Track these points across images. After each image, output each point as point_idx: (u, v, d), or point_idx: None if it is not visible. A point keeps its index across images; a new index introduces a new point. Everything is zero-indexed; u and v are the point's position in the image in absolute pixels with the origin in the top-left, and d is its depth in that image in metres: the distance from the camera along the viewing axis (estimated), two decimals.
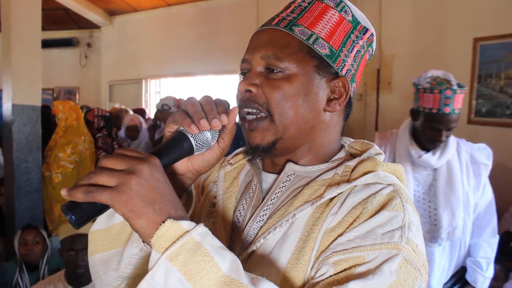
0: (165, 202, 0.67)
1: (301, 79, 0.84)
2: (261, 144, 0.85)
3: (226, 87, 7.28)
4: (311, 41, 0.85)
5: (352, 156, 0.92)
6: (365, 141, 0.94)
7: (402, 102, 5.29)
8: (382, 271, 0.68)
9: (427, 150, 2.26)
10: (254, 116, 0.86)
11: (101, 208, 0.68)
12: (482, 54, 4.30)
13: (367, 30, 0.93)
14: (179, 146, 0.77)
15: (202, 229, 0.67)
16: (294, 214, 0.81)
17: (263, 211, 0.87)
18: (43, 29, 4.06)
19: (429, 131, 2.19)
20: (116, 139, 4.81)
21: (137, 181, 0.65)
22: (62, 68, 9.17)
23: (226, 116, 0.78)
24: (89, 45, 9.18)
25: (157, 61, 7.97)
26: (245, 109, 0.86)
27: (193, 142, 0.78)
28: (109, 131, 4.76)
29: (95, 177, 0.65)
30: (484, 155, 2.39)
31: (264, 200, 0.88)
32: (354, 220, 0.76)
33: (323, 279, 0.71)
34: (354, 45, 0.90)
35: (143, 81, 8.41)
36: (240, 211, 0.92)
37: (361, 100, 5.80)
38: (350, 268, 0.70)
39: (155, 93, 8.48)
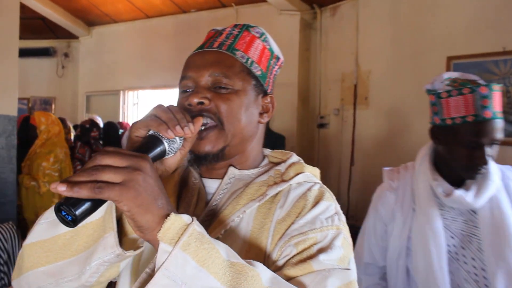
0: (164, 198, 0.73)
1: (245, 94, 0.98)
2: (211, 151, 0.94)
3: None
4: (248, 63, 1.00)
5: (273, 163, 1.07)
6: (284, 151, 1.11)
7: (378, 118, 5.39)
8: (334, 246, 0.87)
9: (458, 184, 1.63)
10: (204, 127, 0.94)
11: (98, 206, 0.69)
12: None
13: (279, 58, 1.10)
14: (155, 149, 0.80)
15: (197, 221, 0.73)
16: (244, 211, 0.92)
17: (208, 212, 0.96)
18: (19, 37, 4.01)
19: (464, 151, 1.56)
20: (93, 148, 4.77)
21: (143, 177, 0.68)
22: (38, 78, 9.04)
23: (192, 124, 0.85)
24: (66, 55, 9.09)
25: (135, 73, 7.94)
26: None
27: (167, 147, 0.82)
28: (83, 141, 4.73)
29: (98, 173, 0.66)
30: None
31: (210, 202, 0.98)
32: (301, 211, 0.91)
33: (290, 258, 0.85)
34: (273, 69, 1.08)
35: (121, 92, 8.35)
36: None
37: (338, 115, 5.88)
38: (309, 247, 0.85)
39: (133, 104, 8.43)
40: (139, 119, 0.83)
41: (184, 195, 1.01)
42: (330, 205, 0.95)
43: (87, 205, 0.66)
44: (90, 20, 8.38)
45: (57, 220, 0.79)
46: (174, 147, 0.83)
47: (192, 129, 0.84)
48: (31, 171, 4.11)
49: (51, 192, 4.03)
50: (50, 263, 0.82)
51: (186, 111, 0.91)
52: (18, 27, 4.01)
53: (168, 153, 0.83)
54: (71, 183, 0.64)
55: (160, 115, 0.81)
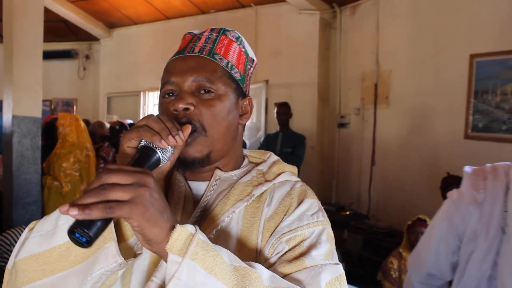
0: (169, 210, 0.76)
1: (227, 99, 0.99)
2: (197, 157, 0.96)
3: None
4: (229, 67, 1.02)
5: (253, 163, 1.10)
6: (262, 150, 1.15)
7: (399, 117, 5.34)
8: (322, 241, 0.92)
9: None
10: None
11: (109, 222, 0.70)
12: (478, 70, 4.35)
13: (254, 60, 1.13)
14: (151, 160, 0.82)
15: (199, 230, 0.76)
16: (233, 211, 0.95)
17: (198, 214, 0.98)
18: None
19: None
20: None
21: (150, 192, 0.70)
22: (60, 80, 9.18)
23: (182, 132, 0.87)
24: (87, 57, 9.22)
25: (155, 74, 7.99)
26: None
27: (161, 156, 0.83)
28: (111, 142, 4.79)
29: (107, 193, 0.67)
30: None
31: (199, 204, 0.99)
32: (288, 209, 0.96)
33: (282, 255, 0.89)
34: (249, 72, 1.11)
35: (141, 93, 8.43)
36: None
37: (358, 114, 5.84)
38: (299, 243, 0.90)
39: (153, 105, 8.50)
40: (128, 130, 0.84)
41: (170, 199, 1.02)
42: (313, 202, 1.00)
43: (99, 224, 0.68)
44: (111, 22, 8.48)
45: (51, 232, 0.82)
46: (167, 156, 0.85)
47: (182, 137, 0.86)
48: (53, 171, 4.17)
49: (73, 192, 4.09)
50: (47, 276, 0.82)
51: (171, 116, 0.93)
52: (42, 31, 4.08)
53: (162, 162, 0.85)
54: (81, 206, 0.65)
55: (152, 125, 0.83)
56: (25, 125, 3.91)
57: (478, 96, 4.36)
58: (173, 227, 0.73)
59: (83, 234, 0.66)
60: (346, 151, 6.10)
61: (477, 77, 4.36)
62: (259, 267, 0.81)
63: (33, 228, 0.91)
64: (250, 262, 0.82)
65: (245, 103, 1.07)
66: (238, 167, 1.07)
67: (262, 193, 1.00)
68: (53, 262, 0.82)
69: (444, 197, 3.99)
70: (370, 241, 4.66)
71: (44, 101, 8.80)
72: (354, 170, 5.94)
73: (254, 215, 0.96)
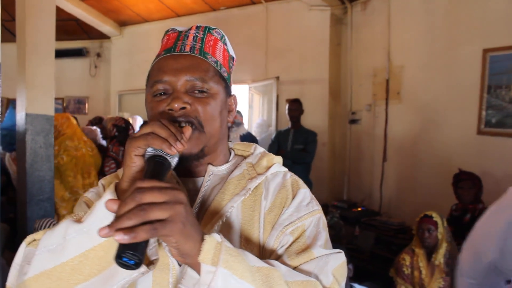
0: (197, 222, 0.79)
1: (219, 97, 1.01)
2: (193, 152, 0.97)
3: None
4: (218, 67, 1.03)
5: (240, 156, 1.13)
6: (246, 143, 1.17)
7: (411, 113, 5.31)
8: (320, 230, 0.98)
9: None
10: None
11: (149, 240, 0.72)
12: (492, 65, 4.31)
13: (234, 58, 1.14)
14: (164, 167, 0.82)
15: (223, 237, 0.80)
16: (232, 206, 0.97)
17: (195, 210, 1.00)
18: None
19: None
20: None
21: (185, 208, 0.73)
22: (72, 78, 9.24)
23: (184, 136, 0.88)
24: (99, 55, 9.28)
25: None
26: (182, 124, 0.96)
27: (172, 162, 0.85)
28: (121, 141, 4.80)
29: (147, 214, 0.68)
30: None
31: (196, 201, 1.00)
32: (285, 201, 1.00)
33: (288, 247, 0.93)
34: (231, 70, 1.12)
35: None
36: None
37: (370, 110, 5.82)
38: (301, 234, 0.95)
39: None
40: (134, 137, 0.85)
41: None
42: (306, 192, 1.04)
43: (143, 244, 0.69)
44: (122, 20, 8.52)
45: (60, 247, 0.81)
46: (175, 161, 0.87)
47: (186, 139, 0.87)
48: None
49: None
50: None
51: (165, 115, 0.95)
52: (55, 29, 4.11)
53: (171, 167, 0.86)
54: (125, 230, 0.66)
55: (159, 132, 0.83)
56: (38, 123, 3.94)
57: (491, 91, 4.31)
58: (202, 239, 0.76)
59: (131, 257, 0.67)
60: (357, 147, 6.08)
61: (490, 72, 4.32)
62: (276, 263, 0.86)
63: (31, 242, 0.89)
64: (268, 260, 0.87)
65: (231, 101, 1.10)
66: (227, 161, 1.09)
67: (257, 186, 1.02)
68: (67, 276, 0.81)
69: (457, 193, 3.97)
70: (382, 238, 4.64)
71: (56, 99, 8.83)
72: (366, 166, 5.92)
73: (253, 209, 0.99)
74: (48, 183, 4.04)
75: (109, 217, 0.77)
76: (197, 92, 0.98)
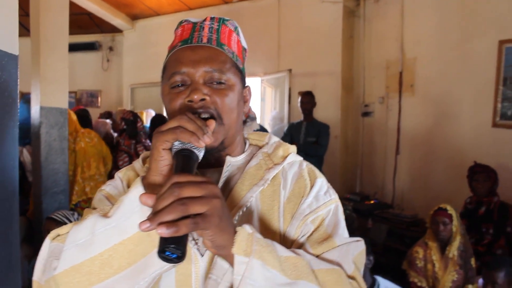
0: (230, 215, 0.81)
1: (237, 88, 1.01)
2: (214, 144, 0.97)
3: None
4: (234, 58, 1.03)
5: (256, 145, 1.14)
6: (260, 132, 1.18)
7: (424, 105, 5.27)
8: (339, 218, 1.00)
9: None
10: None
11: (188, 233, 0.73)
12: (508, 57, 4.26)
13: (246, 49, 1.13)
14: (192, 160, 0.83)
15: (254, 228, 0.82)
16: (252, 196, 0.98)
17: None
18: None
19: None
20: (140, 142, 4.87)
21: (221, 202, 0.75)
22: (84, 72, 9.30)
23: (209, 129, 0.89)
24: (111, 48, 9.32)
25: None
26: (203, 115, 0.96)
27: (199, 156, 0.86)
28: (130, 134, 4.83)
29: (187, 208, 0.69)
30: None
31: None
32: (304, 190, 1.01)
33: (309, 236, 0.95)
34: (245, 61, 1.11)
35: None
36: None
37: (383, 103, 5.78)
38: (321, 223, 0.97)
39: None
40: (160, 131, 0.85)
41: None
42: (323, 180, 1.05)
43: (184, 237, 0.71)
44: (134, 14, 8.54)
45: (88, 242, 0.82)
46: (202, 154, 0.87)
47: (210, 132, 0.88)
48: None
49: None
50: (93, 285, 0.82)
51: (183, 107, 0.96)
52: (68, 24, 4.14)
53: (199, 160, 0.87)
54: (166, 224, 0.67)
55: (187, 126, 0.83)
56: (52, 116, 3.98)
57: (507, 83, 4.26)
58: (235, 231, 0.79)
59: (174, 251, 0.69)
60: (370, 140, 6.05)
61: (506, 64, 4.27)
62: (301, 252, 0.88)
63: (55, 237, 0.90)
64: (293, 249, 0.89)
65: (245, 92, 1.10)
66: (243, 151, 1.10)
67: (274, 176, 1.03)
68: (97, 270, 0.81)
69: (472, 186, 3.94)
70: (395, 231, 4.63)
71: (69, 92, 8.93)
72: (379, 159, 5.89)
73: (272, 199, 1.00)
74: (62, 175, 4.09)
75: (137, 211, 0.80)
76: (215, 83, 0.98)
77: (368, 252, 2.80)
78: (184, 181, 0.72)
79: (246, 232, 0.79)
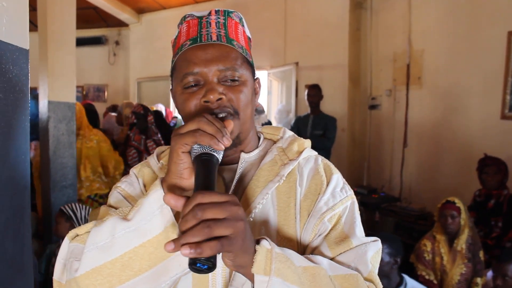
0: (252, 236, 0.80)
1: (249, 83, 1.00)
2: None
3: None
4: (244, 52, 1.02)
5: (270, 140, 1.12)
6: (273, 126, 1.16)
7: (432, 98, 5.24)
8: (356, 215, 1.00)
9: None
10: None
11: None
12: None
13: (250, 38, 1.11)
14: (213, 164, 0.83)
15: (272, 243, 0.82)
16: (267, 193, 0.97)
17: None
18: None
19: None
20: (150, 137, 4.86)
21: (244, 225, 0.74)
22: (91, 66, 9.31)
23: (227, 130, 0.88)
24: (117, 43, 9.33)
25: None
26: (220, 115, 0.95)
27: (219, 158, 0.85)
28: (140, 128, 4.83)
29: (211, 231, 0.69)
30: None
31: (230, 189, 1.00)
32: (321, 187, 1.00)
33: (327, 235, 0.95)
34: (250, 50, 1.09)
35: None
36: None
37: (390, 95, 5.76)
38: (338, 221, 0.97)
39: None
40: (179, 133, 0.84)
41: None
42: (338, 176, 1.05)
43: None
44: (140, 8, 8.53)
45: (108, 244, 0.83)
46: (222, 155, 0.86)
47: (229, 134, 0.87)
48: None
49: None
50: (114, 287, 0.83)
51: (199, 107, 0.95)
52: (75, 18, 4.14)
53: (219, 162, 0.86)
54: (190, 245, 0.68)
55: (206, 129, 0.82)
56: (60, 110, 4.00)
57: None
58: (255, 250, 0.79)
59: (205, 263, 0.70)
60: (377, 133, 6.03)
61: None
62: (319, 258, 0.88)
63: (74, 237, 0.91)
64: (311, 256, 0.89)
65: (255, 84, 1.08)
66: (257, 146, 1.09)
67: (290, 172, 1.01)
68: (118, 272, 0.83)
69: (481, 178, 3.92)
70: (402, 224, 4.62)
71: (76, 87, 8.95)
72: (386, 152, 5.87)
73: (289, 195, 0.99)
74: (70, 169, 4.11)
75: (157, 215, 0.81)
76: (229, 81, 0.97)
77: (397, 253, 2.81)
78: (207, 202, 0.71)
79: (265, 249, 0.79)
